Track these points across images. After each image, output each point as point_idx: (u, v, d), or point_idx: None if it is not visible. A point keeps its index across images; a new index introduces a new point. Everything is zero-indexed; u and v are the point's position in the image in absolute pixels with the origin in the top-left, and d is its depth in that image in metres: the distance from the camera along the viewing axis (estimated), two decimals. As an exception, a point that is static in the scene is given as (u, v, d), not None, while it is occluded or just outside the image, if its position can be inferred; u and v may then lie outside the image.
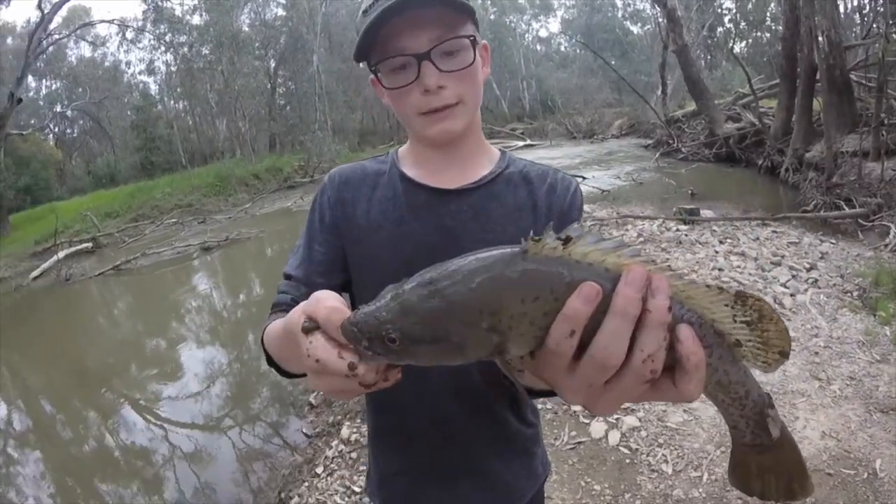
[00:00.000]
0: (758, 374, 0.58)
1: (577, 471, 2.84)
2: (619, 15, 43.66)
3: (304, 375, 0.79)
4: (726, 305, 0.52)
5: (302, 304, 0.65)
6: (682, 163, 13.95)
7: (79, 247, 15.60)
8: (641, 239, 6.65)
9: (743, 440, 0.60)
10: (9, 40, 32.34)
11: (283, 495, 3.44)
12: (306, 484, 3.41)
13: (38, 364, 8.05)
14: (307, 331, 0.60)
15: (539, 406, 3.29)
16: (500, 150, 1.16)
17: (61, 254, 14.44)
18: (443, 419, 1.10)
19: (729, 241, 6.35)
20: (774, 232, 6.59)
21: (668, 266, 0.50)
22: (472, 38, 0.96)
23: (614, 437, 3.01)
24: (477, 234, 1.02)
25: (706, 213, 7.53)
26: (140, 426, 5.25)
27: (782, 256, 5.62)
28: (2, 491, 4.68)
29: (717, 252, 5.98)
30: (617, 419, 3.16)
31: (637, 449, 2.92)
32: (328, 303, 0.61)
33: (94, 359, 7.76)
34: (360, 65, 1.05)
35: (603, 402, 0.56)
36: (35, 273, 13.62)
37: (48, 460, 5.05)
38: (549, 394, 0.86)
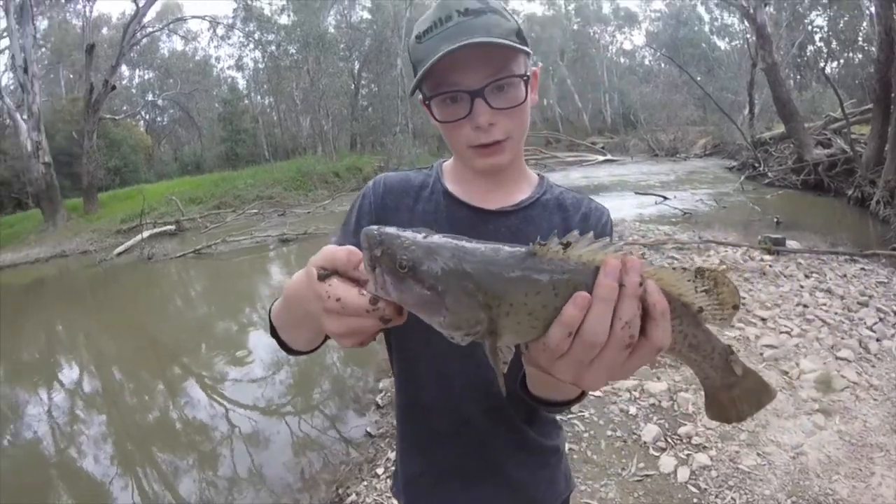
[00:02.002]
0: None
1: (642, 504, 2.77)
2: (707, 29, 42.22)
3: (302, 353, 0.90)
4: (689, 280, 0.61)
5: (311, 261, 0.70)
6: (768, 188, 13.42)
7: (162, 228, 16.33)
8: (724, 266, 6.40)
9: (714, 385, 0.71)
10: (104, 30, 34.06)
11: (340, 491, 3.49)
12: (365, 483, 3.44)
13: (114, 334, 8.44)
14: (323, 277, 0.65)
15: (609, 433, 3.27)
16: (538, 174, 1.19)
17: (146, 233, 15.09)
18: (465, 424, 1.13)
19: (815, 275, 6.05)
20: (863, 269, 6.24)
21: (642, 255, 0.59)
22: (525, 77, 0.97)
23: (684, 473, 2.90)
24: None
25: (792, 243, 7.19)
26: (203, 403, 5.43)
27: (870, 297, 5.31)
28: (65, 448, 4.93)
29: (801, 287, 5.71)
30: (688, 455, 3.05)
31: (706, 489, 2.81)
32: (343, 249, 0.68)
33: (167, 334, 8.08)
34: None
35: (590, 376, 0.63)
36: (119, 249, 14.37)
37: (112, 424, 5.30)
38: (557, 405, 0.95)
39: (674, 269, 0.61)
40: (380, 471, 3.51)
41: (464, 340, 0.61)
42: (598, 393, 3.64)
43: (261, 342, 7.05)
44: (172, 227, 16.65)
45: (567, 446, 3.18)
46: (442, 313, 0.60)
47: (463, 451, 1.16)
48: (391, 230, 0.62)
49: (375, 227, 0.63)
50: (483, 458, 1.16)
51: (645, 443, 3.21)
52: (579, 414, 3.49)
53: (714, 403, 0.75)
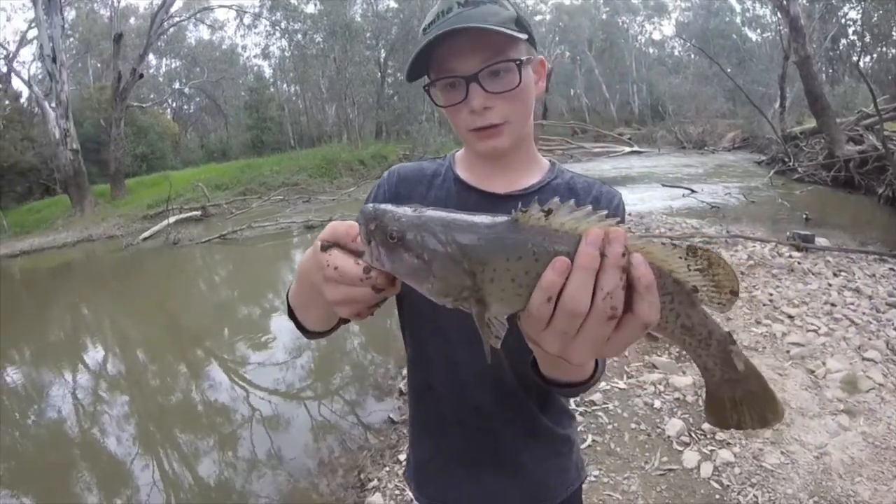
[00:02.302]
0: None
1: (664, 499, 2.75)
2: (738, 20, 41.29)
3: (318, 335, 0.93)
4: (680, 258, 0.59)
5: (318, 236, 0.74)
6: (797, 184, 13.15)
7: (189, 214, 16.58)
8: (751, 262, 6.33)
9: (713, 379, 0.67)
10: (132, 20, 34.42)
11: (362, 476, 3.52)
12: (387, 469, 3.48)
13: (139, 316, 8.59)
14: (325, 248, 0.70)
15: (633, 426, 3.27)
16: (550, 161, 1.21)
17: (172, 219, 15.32)
18: (475, 410, 1.16)
19: (843, 274, 5.95)
20: (892, 269, 6.10)
21: (629, 228, 0.58)
22: (518, 62, 1.00)
23: (707, 469, 2.89)
24: None
25: (821, 241, 7.07)
26: (225, 385, 5.49)
27: (900, 298, 5.23)
28: (89, 427, 5.03)
29: (830, 285, 5.62)
30: (711, 451, 3.04)
31: (728, 486, 2.80)
32: (344, 224, 0.71)
33: (191, 318, 8.21)
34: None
35: (576, 349, 0.63)
36: (146, 234, 14.61)
37: (134, 404, 5.40)
38: (566, 386, 0.94)
39: (663, 244, 0.59)
40: (402, 457, 3.52)
41: (452, 306, 0.64)
42: (622, 385, 3.65)
43: (283, 327, 7.08)
44: (198, 213, 16.89)
45: (590, 438, 3.21)
46: (430, 280, 0.63)
47: (471, 437, 1.19)
48: (384, 206, 0.65)
49: (371, 204, 0.66)
50: (491, 445, 1.18)
51: (669, 437, 3.20)
52: (603, 406, 3.48)
53: (713, 401, 0.70)
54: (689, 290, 0.60)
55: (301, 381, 5.44)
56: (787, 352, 4.11)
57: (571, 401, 1.32)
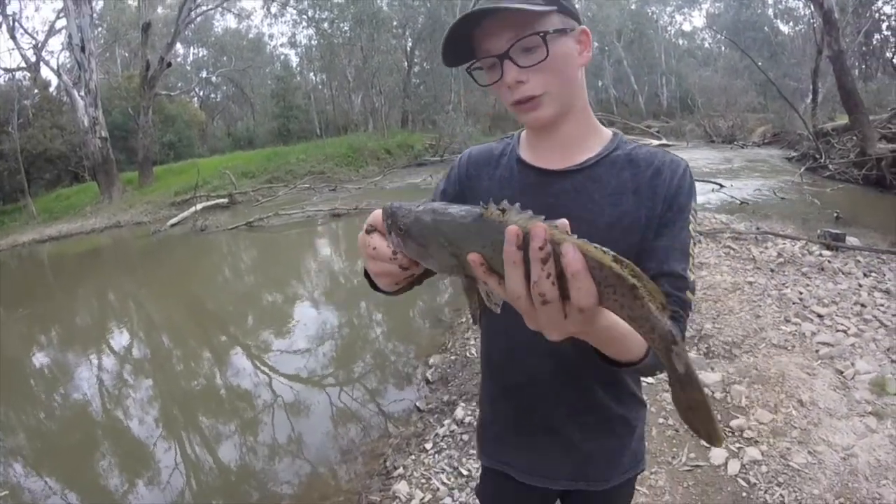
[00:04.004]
0: None
1: (691, 495, 2.77)
2: (770, 13, 40.22)
3: (387, 293, 1.01)
4: (613, 260, 0.63)
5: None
6: (828, 181, 12.87)
7: (216, 201, 16.77)
8: (781, 259, 6.26)
9: (670, 374, 0.68)
10: (160, 9, 34.62)
11: (388, 464, 3.55)
12: (412, 457, 3.51)
13: (165, 301, 8.73)
14: (369, 232, 0.85)
15: (660, 421, 3.28)
16: (614, 131, 1.23)
17: (199, 206, 15.58)
18: (531, 378, 1.21)
19: (874, 274, 5.85)
20: (924, 272, 6.02)
21: (566, 231, 0.65)
22: (544, 34, 1.02)
23: (734, 466, 2.90)
24: (576, 212, 1.06)
25: (851, 240, 6.97)
26: (248, 371, 5.57)
27: (930, 301, 5.14)
28: (112, 409, 5.17)
29: (860, 285, 5.54)
30: (739, 448, 3.04)
31: (755, 484, 2.81)
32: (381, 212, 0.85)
33: (216, 303, 8.34)
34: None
35: (544, 328, 0.71)
36: (173, 220, 14.83)
37: (158, 387, 5.50)
38: (619, 364, 0.92)
39: (596, 246, 0.63)
40: (428, 446, 3.57)
41: (451, 276, 0.78)
42: (650, 380, 3.62)
43: (307, 314, 7.25)
44: (225, 201, 17.05)
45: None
46: (429, 261, 0.78)
47: (526, 405, 1.24)
48: (397, 205, 0.80)
49: (390, 203, 0.81)
50: (544, 413, 1.22)
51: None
52: None
53: (674, 397, 0.71)
54: (630, 285, 0.63)
55: (323, 369, 5.50)
56: (816, 351, 4.09)
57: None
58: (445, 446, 3.52)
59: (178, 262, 11.73)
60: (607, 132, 1.21)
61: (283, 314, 7.48)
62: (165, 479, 3.86)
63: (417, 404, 4.28)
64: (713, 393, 3.52)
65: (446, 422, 3.78)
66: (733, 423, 3.23)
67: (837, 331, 4.45)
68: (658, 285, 0.65)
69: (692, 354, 3.94)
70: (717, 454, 2.99)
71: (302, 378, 5.29)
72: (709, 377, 3.64)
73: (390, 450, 3.75)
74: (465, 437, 3.56)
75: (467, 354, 4.69)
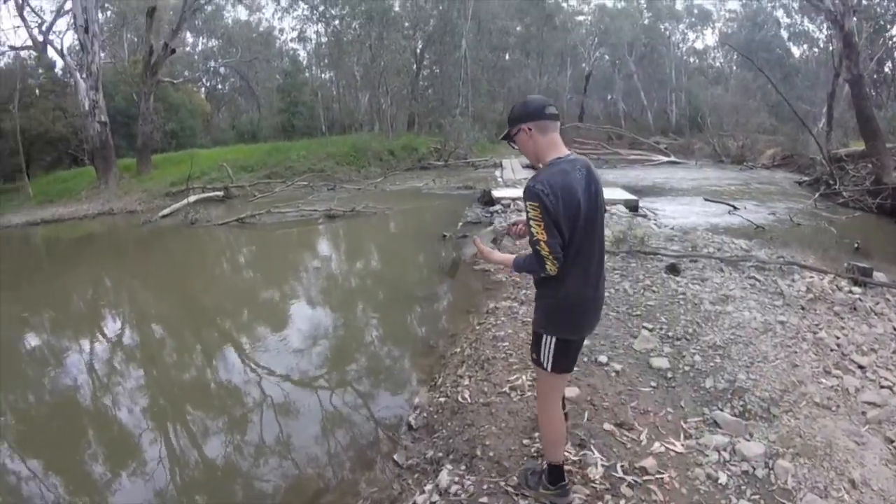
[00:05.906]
0: None
1: None
2: (784, 34, 39.84)
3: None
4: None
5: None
6: (841, 208, 12.41)
7: (210, 194, 16.38)
8: (811, 295, 5.64)
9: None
10: (169, -6, 34.39)
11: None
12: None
13: (154, 293, 8.54)
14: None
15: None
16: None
17: (192, 198, 15.15)
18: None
19: (907, 315, 5.34)
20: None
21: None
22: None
23: None
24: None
25: (879, 275, 6.42)
26: (237, 367, 5.44)
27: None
28: (101, 397, 5.04)
29: (895, 329, 5.03)
30: None
31: None
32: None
33: (204, 298, 8.08)
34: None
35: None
36: (165, 211, 14.43)
37: (147, 379, 5.36)
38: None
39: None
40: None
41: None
42: (679, 447, 3.00)
43: (298, 312, 7.13)
44: (220, 194, 16.67)
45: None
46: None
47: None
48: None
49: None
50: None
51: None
52: (657, 476, 2.82)
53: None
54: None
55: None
56: (863, 413, 3.53)
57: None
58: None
59: (168, 254, 11.37)
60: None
61: (273, 313, 7.19)
62: (151, 468, 3.81)
63: (396, 457, 3.55)
64: (754, 470, 2.89)
65: (427, 487, 3.03)
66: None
67: (882, 386, 3.93)
68: None
69: (726, 414, 3.35)
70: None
71: (290, 378, 5.14)
72: (749, 449, 2.99)
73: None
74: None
75: (458, 399, 3.86)
